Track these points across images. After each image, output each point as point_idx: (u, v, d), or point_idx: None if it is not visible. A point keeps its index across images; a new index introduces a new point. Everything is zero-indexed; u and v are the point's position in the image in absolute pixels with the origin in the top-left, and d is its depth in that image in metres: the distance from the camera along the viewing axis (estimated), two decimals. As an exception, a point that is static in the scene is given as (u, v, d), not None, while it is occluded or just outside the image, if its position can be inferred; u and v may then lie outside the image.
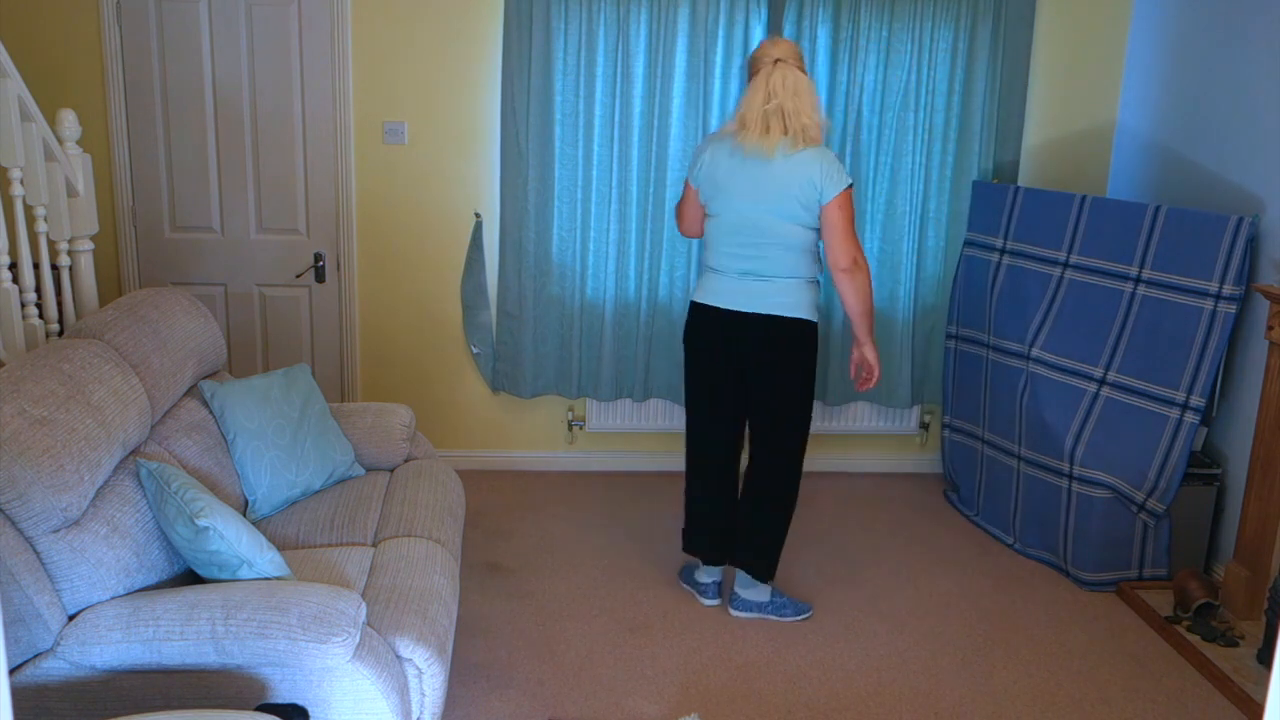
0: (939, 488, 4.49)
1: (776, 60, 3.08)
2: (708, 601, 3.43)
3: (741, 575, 3.36)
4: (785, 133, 3.05)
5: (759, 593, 3.35)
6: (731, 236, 3.13)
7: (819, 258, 3.19)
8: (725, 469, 3.35)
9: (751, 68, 3.16)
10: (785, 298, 3.12)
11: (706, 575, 3.44)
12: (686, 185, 3.29)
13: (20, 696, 2.15)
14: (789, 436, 3.25)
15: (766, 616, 3.36)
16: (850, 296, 3.11)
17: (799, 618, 3.36)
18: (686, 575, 3.53)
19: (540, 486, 4.37)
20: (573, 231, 4.22)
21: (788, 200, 3.04)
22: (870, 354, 3.25)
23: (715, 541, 3.38)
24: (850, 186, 3.06)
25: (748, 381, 3.24)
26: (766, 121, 3.05)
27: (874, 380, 3.29)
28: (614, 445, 4.57)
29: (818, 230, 3.11)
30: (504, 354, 4.33)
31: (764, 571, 3.32)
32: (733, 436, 3.33)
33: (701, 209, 3.25)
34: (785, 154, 3.04)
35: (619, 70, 4.08)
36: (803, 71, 3.09)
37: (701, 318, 3.23)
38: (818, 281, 3.21)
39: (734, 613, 3.37)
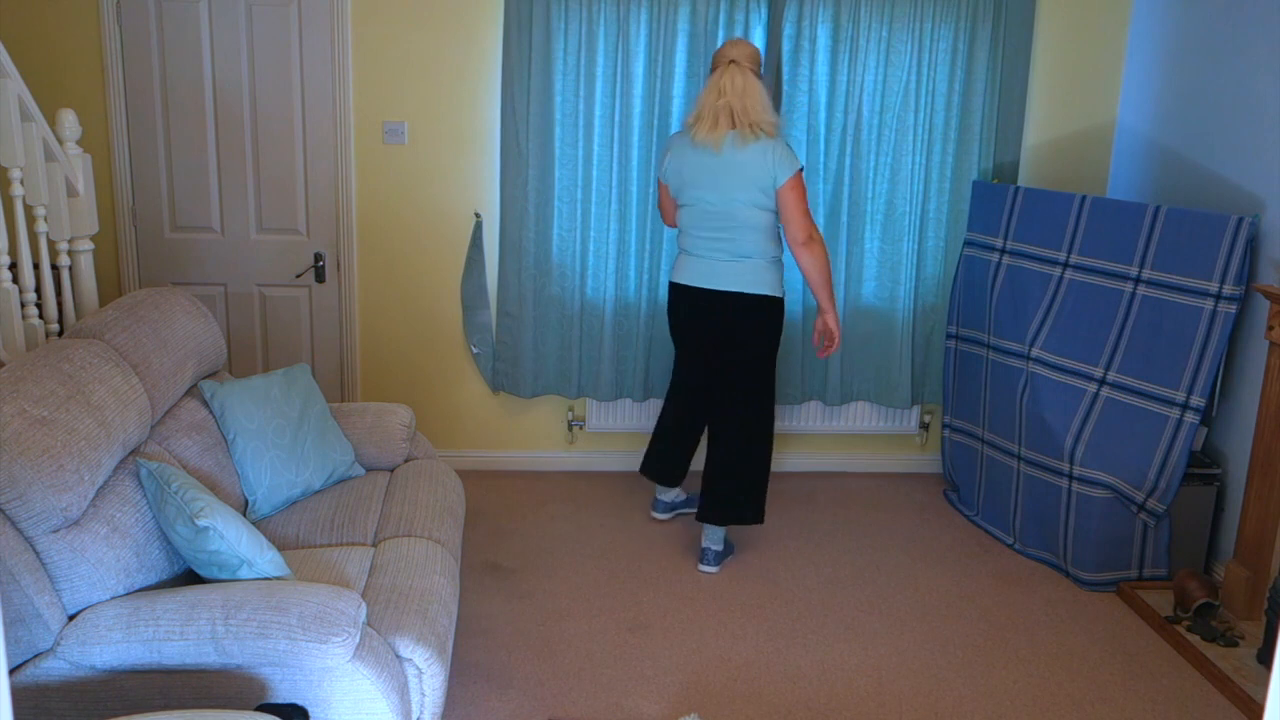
0: (939, 488, 4.49)
1: (731, 61, 3.44)
2: (653, 513, 4.07)
3: (709, 531, 3.68)
4: (733, 127, 3.40)
5: (721, 543, 3.68)
6: (702, 223, 3.50)
7: (779, 238, 3.54)
8: (690, 414, 3.82)
9: (711, 64, 3.54)
10: (752, 275, 3.48)
11: (660, 493, 4.05)
12: (659, 182, 3.67)
13: (20, 696, 2.15)
14: (747, 404, 3.58)
15: (726, 563, 3.73)
16: (810, 268, 3.45)
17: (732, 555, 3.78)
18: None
19: (540, 486, 4.37)
20: (573, 231, 4.22)
21: (747, 187, 3.40)
22: (831, 321, 3.57)
23: (661, 467, 3.92)
24: (801, 170, 3.40)
25: (717, 351, 3.60)
26: (716, 117, 3.41)
27: (834, 346, 3.61)
28: (614, 445, 4.57)
29: (776, 213, 3.47)
30: (504, 354, 4.33)
31: (754, 517, 3.66)
32: (701, 393, 3.76)
33: (674, 201, 3.62)
34: (737, 146, 3.39)
35: (619, 70, 4.08)
36: (756, 75, 3.44)
37: (677, 295, 3.62)
38: (780, 261, 3.56)
39: (702, 568, 3.67)
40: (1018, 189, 3.99)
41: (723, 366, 3.58)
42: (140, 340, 2.76)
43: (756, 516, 3.66)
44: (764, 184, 3.38)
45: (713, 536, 3.66)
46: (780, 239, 3.54)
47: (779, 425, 4.51)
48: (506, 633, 3.22)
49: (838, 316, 3.58)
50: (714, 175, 3.41)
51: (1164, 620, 3.36)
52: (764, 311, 3.50)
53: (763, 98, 3.41)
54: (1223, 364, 3.50)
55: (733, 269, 3.48)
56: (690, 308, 3.58)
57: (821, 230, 4.26)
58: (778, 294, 3.52)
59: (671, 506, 4.07)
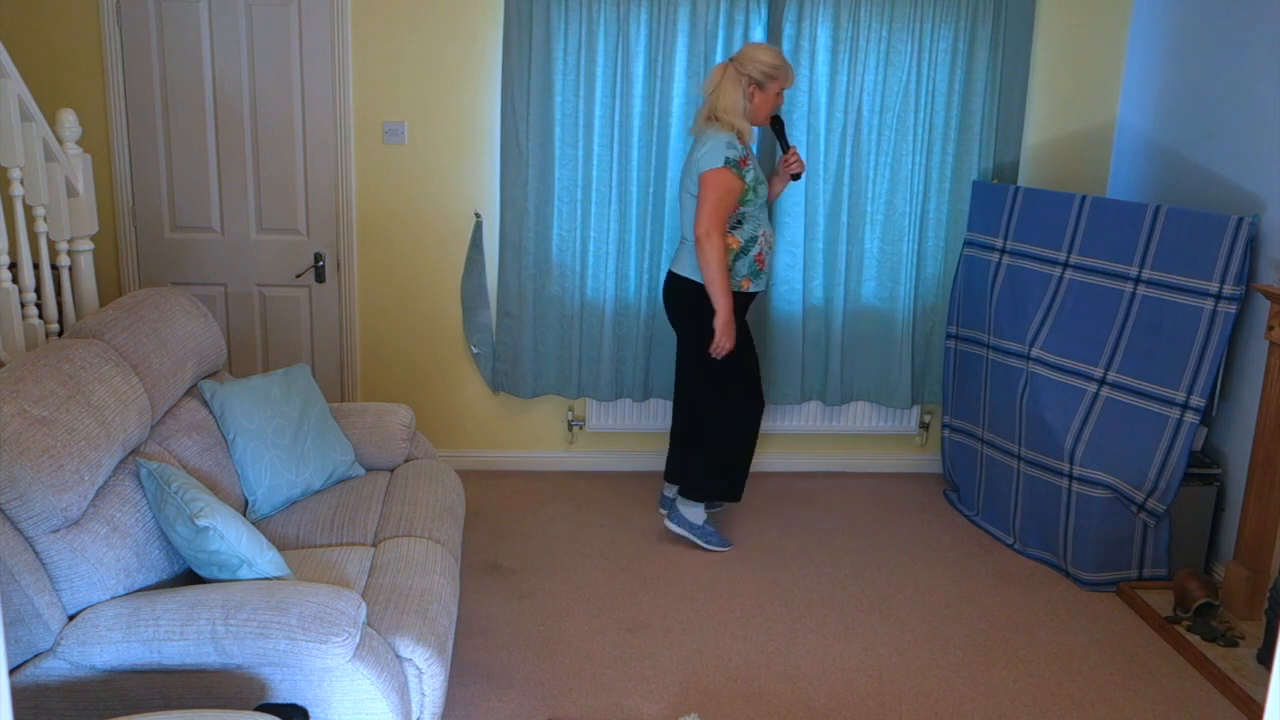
0: (939, 488, 4.49)
1: (729, 59, 3.62)
2: (660, 509, 4.17)
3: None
4: (703, 117, 3.63)
5: (692, 514, 3.83)
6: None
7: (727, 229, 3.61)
8: (678, 409, 4.01)
9: None
10: (683, 257, 3.68)
11: (665, 489, 4.11)
12: None
13: (20, 696, 2.15)
14: (695, 383, 3.77)
15: (692, 537, 3.84)
16: (700, 263, 3.54)
17: (718, 548, 3.82)
18: None
19: (540, 486, 4.37)
20: (573, 231, 4.22)
21: (685, 172, 3.63)
22: (716, 321, 3.57)
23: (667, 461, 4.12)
24: (725, 168, 3.48)
25: (673, 329, 3.86)
26: (703, 107, 3.67)
27: (716, 347, 3.58)
28: (614, 445, 4.57)
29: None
30: (504, 354, 4.33)
31: (685, 490, 3.84)
32: (684, 381, 3.94)
33: None
34: (696, 134, 3.66)
35: (619, 70, 4.08)
36: (742, 75, 3.55)
37: None
38: (731, 250, 3.60)
39: (666, 523, 3.91)
40: (1018, 189, 3.98)
41: (677, 346, 3.89)
42: (140, 340, 2.76)
43: (691, 490, 3.81)
44: (692, 171, 3.56)
45: (674, 490, 3.94)
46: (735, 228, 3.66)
47: (777, 425, 4.51)
48: (506, 633, 3.22)
49: (724, 320, 3.53)
50: (686, 160, 3.70)
51: (1164, 620, 3.36)
52: (691, 295, 3.61)
53: (730, 97, 3.55)
54: (1223, 364, 3.50)
55: (678, 250, 3.74)
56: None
57: (821, 230, 4.26)
58: (699, 279, 3.60)
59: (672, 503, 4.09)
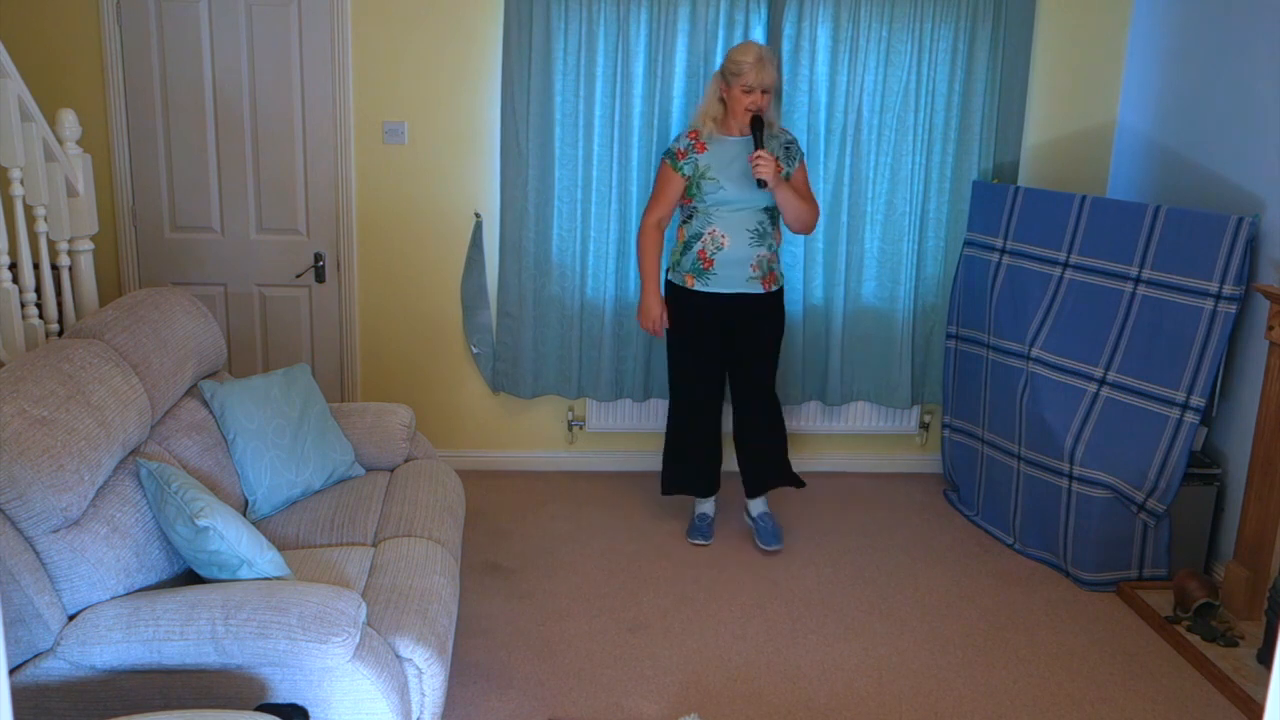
0: (939, 488, 4.49)
1: None
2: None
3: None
4: None
5: (703, 504, 4.01)
6: None
7: (677, 220, 3.81)
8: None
9: None
10: None
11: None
12: None
13: (20, 696, 2.15)
14: None
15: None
16: None
17: (695, 540, 3.89)
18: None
19: (540, 486, 4.37)
20: (573, 231, 4.22)
21: None
22: (644, 298, 3.77)
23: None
24: (664, 157, 3.68)
25: None
26: None
27: (644, 323, 3.78)
28: (614, 445, 4.57)
29: (679, 195, 3.70)
30: (504, 354, 4.33)
31: None
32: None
33: None
34: None
35: (619, 70, 4.08)
36: (720, 75, 3.64)
37: None
38: (676, 240, 3.79)
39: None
40: (1018, 189, 3.98)
41: None
42: (140, 340, 2.76)
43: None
44: None
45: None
46: (675, 220, 3.83)
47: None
48: (506, 633, 3.22)
49: (649, 302, 3.73)
50: None
51: (1164, 620, 3.36)
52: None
53: (706, 93, 3.71)
54: (1223, 364, 3.50)
55: None
56: None
57: (821, 230, 4.26)
58: (668, 272, 3.79)
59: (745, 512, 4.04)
